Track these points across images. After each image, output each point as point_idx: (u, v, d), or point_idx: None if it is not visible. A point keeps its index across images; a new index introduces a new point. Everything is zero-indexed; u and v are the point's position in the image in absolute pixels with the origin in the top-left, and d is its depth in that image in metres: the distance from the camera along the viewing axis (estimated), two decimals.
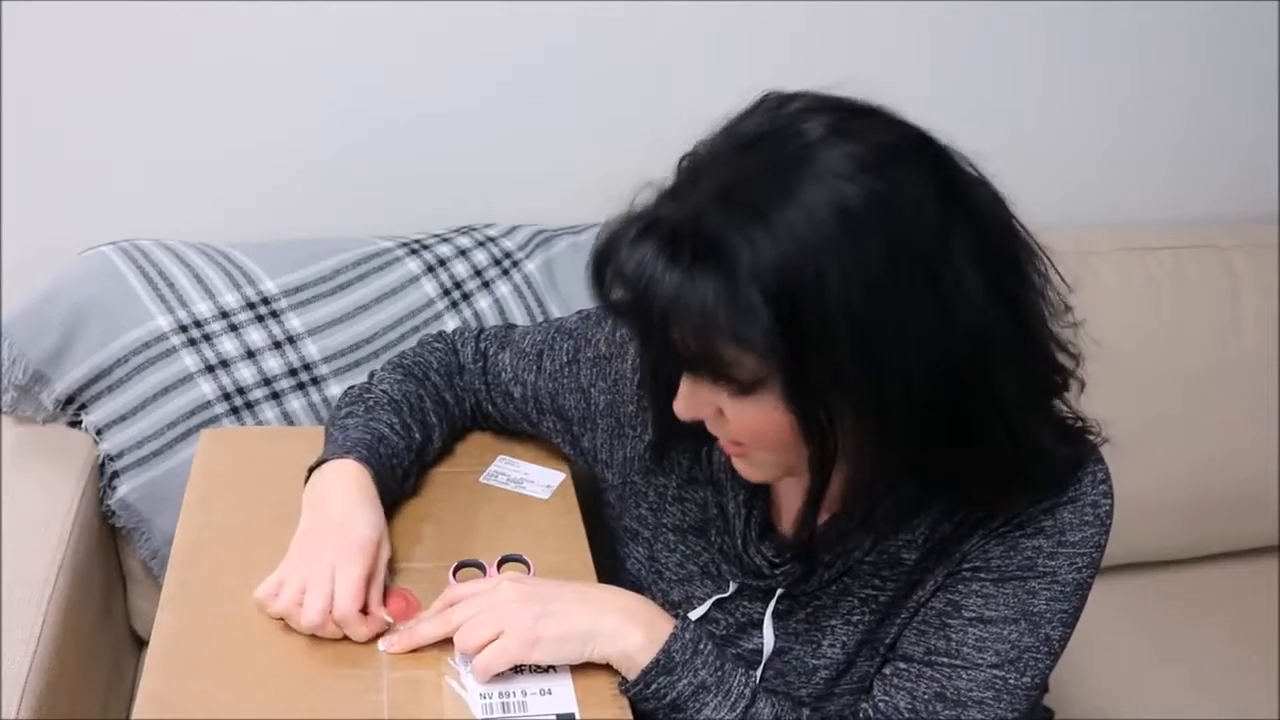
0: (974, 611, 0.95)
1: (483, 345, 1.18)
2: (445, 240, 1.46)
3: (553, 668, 0.93)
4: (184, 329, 1.34)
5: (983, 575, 0.95)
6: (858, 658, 1.00)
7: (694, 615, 1.03)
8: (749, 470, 0.93)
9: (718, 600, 1.03)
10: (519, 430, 1.19)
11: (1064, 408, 0.94)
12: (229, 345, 1.35)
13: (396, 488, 1.07)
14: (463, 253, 1.45)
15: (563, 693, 0.92)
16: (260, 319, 1.36)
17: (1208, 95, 1.74)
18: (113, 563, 1.41)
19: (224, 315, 1.35)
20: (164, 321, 1.34)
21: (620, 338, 1.08)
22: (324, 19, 1.41)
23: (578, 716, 0.90)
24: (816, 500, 0.87)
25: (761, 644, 1.01)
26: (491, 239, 1.47)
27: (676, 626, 0.95)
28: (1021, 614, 0.94)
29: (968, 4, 1.59)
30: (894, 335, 0.78)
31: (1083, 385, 0.93)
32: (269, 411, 1.36)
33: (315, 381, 1.37)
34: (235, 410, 1.35)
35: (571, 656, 0.93)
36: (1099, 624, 1.23)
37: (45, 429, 1.37)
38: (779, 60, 1.54)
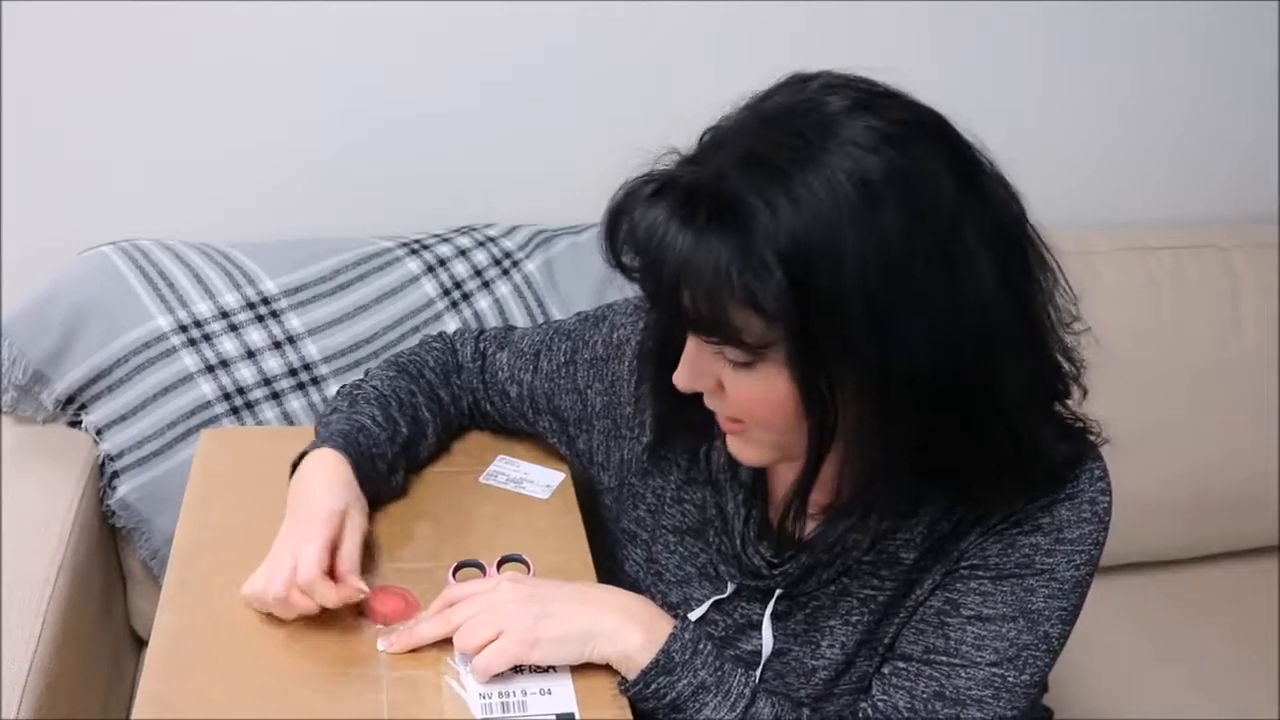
0: (972, 610, 0.95)
1: (482, 345, 1.18)
2: (445, 240, 1.46)
3: (552, 668, 0.93)
4: (184, 329, 1.34)
5: (981, 573, 0.95)
6: (857, 658, 1.00)
7: (693, 617, 1.03)
8: (743, 449, 0.93)
9: (716, 602, 1.03)
10: (517, 429, 1.19)
11: (1064, 409, 0.94)
12: (229, 345, 1.35)
13: (380, 480, 1.06)
14: (463, 253, 1.45)
15: (562, 693, 0.92)
16: (260, 319, 1.36)
17: (1208, 95, 1.74)
18: (113, 563, 1.41)
19: (224, 315, 1.36)
20: (164, 321, 1.34)
21: (617, 339, 1.08)
22: (324, 19, 1.41)
23: (577, 716, 0.90)
24: (811, 477, 0.87)
25: (760, 645, 1.01)
26: (491, 239, 1.47)
27: (676, 627, 0.95)
28: (1020, 612, 0.94)
29: (968, 4, 1.59)
30: (904, 308, 0.79)
31: (1085, 392, 0.93)
32: (269, 411, 1.36)
33: (315, 381, 1.37)
34: (235, 410, 1.35)
35: (571, 657, 0.93)
36: (1099, 623, 1.23)
37: (45, 429, 1.37)
38: (779, 60, 1.51)
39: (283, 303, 1.37)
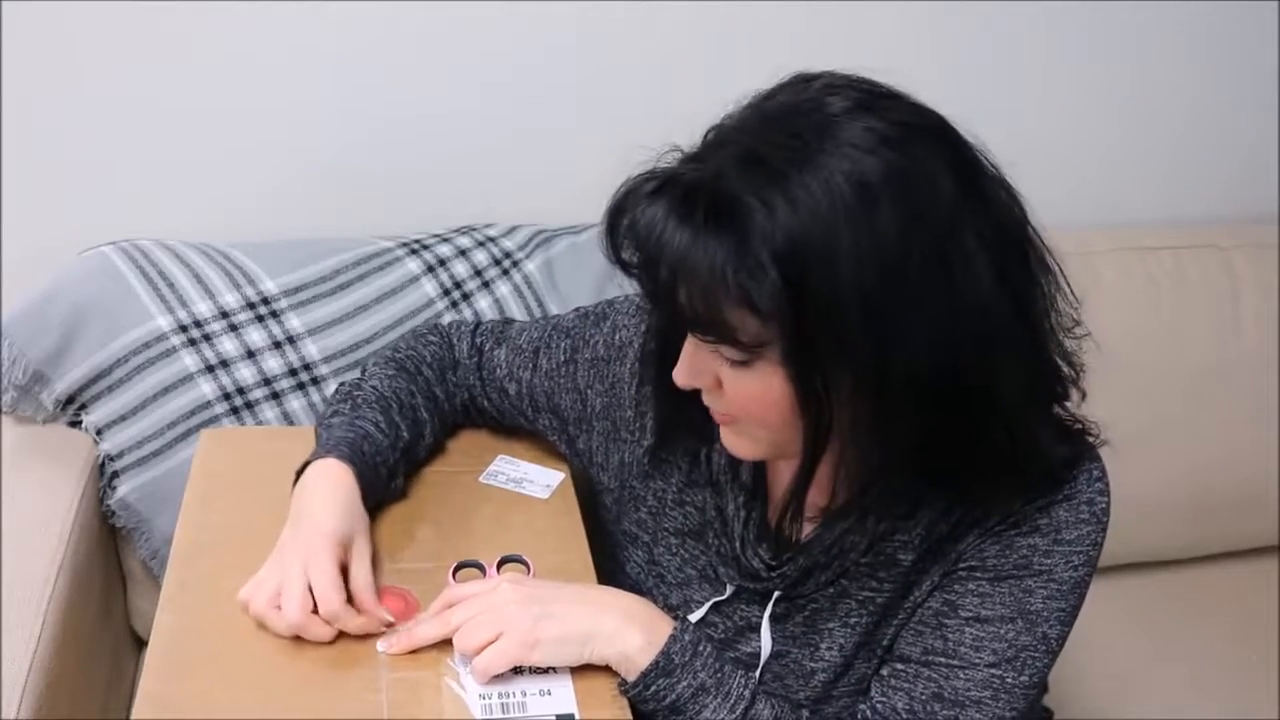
0: (971, 611, 0.95)
1: (478, 340, 1.18)
2: (445, 240, 1.46)
3: (552, 669, 0.93)
4: (184, 329, 1.34)
5: (979, 574, 0.95)
6: (855, 660, 1.00)
7: (692, 619, 1.03)
8: (736, 442, 0.93)
9: (715, 604, 1.03)
10: (515, 425, 1.18)
11: (1063, 411, 0.94)
12: (229, 345, 1.35)
13: (383, 486, 1.06)
14: (463, 253, 1.45)
15: (562, 694, 0.92)
16: (260, 319, 1.36)
17: (1208, 95, 1.74)
18: (113, 563, 1.41)
19: (224, 315, 1.36)
20: (164, 321, 1.34)
21: (619, 341, 1.08)
22: (324, 19, 1.41)
23: (577, 717, 0.90)
24: (807, 477, 0.87)
25: (759, 647, 1.01)
26: (491, 239, 1.47)
27: (676, 628, 0.95)
28: (1018, 613, 0.94)
29: (968, 4, 1.59)
30: (900, 309, 0.79)
31: (1084, 395, 0.93)
32: (269, 411, 1.36)
33: (315, 381, 1.37)
34: (235, 410, 1.35)
35: (571, 658, 0.93)
36: (1099, 624, 1.23)
37: (45, 429, 1.37)
38: (779, 60, 1.51)
39: (283, 303, 1.37)
